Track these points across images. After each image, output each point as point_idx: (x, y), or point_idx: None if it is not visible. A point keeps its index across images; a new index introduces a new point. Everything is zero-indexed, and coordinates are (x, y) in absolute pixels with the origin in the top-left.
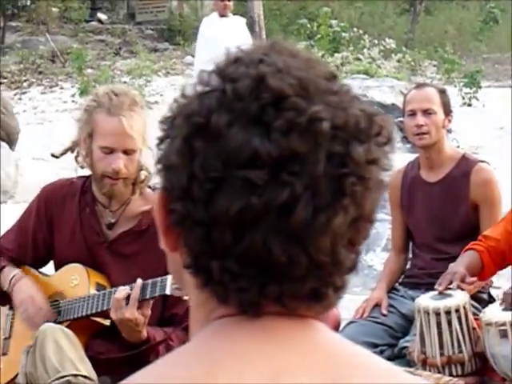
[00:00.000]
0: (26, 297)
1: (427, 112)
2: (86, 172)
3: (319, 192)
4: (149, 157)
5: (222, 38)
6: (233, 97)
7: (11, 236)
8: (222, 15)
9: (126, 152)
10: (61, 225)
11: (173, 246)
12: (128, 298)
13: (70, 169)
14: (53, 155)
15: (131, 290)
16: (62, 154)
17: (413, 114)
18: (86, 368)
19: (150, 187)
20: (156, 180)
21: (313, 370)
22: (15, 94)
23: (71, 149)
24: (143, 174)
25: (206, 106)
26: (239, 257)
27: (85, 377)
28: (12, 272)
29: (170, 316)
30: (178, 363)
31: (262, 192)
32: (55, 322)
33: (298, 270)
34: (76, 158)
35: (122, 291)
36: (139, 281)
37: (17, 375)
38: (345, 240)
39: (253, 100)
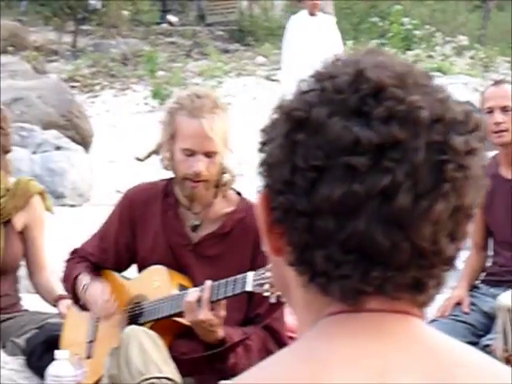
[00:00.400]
0: (93, 296)
1: (505, 109)
2: (169, 174)
3: (420, 178)
4: (231, 159)
5: (311, 36)
6: (332, 91)
7: (94, 241)
8: (312, 13)
9: (207, 154)
10: (144, 228)
11: (276, 248)
12: (200, 299)
13: (143, 171)
14: (137, 159)
15: (201, 291)
16: (147, 158)
17: (491, 111)
18: (170, 370)
19: (234, 190)
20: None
21: (418, 369)
22: (88, 98)
23: (156, 151)
24: (226, 176)
25: (306, 101)
26: (342, 244)
27: (169, 379)
28: (83, 281)
29: (254, 316)
30: (284, 363)
31: (364, 178)
32: (138, 323)
33: (401, 257)
34: (161, 160)
35: (192, 293)
36: (208, 282)
37: (101, 378)
38: (446, 231)
39: (352, 92)
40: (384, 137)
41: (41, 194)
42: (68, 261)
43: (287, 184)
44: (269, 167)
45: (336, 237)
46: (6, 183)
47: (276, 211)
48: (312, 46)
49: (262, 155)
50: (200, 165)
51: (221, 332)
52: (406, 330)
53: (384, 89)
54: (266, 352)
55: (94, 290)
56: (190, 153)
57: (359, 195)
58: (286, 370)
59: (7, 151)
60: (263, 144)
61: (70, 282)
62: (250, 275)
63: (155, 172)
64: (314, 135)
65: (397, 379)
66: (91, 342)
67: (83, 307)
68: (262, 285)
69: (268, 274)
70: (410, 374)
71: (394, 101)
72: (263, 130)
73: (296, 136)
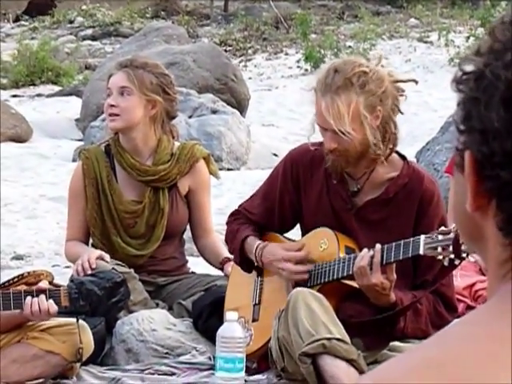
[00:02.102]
0: (275, 260)
1: None
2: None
3: None
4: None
5: None
6: None
7: (257, 200)
8: None
9: (336, 132)
10: (307, 189)
11: (478, 206)
12: (371, 263)
13: (297, 134)
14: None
15: (372, 255)
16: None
17: None
18: (339, 331)
19: (397, 153)
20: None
21: None
22: (240, 62)
23: None
24: (375, 148)
25: None
26: None
27: (338, 340)
28: (255, 243)
29: (423, 281)
30: (479, 321)
31: None
32: (306, 286)
33: None
34: None
35: (363, 257)
36: (378, 246)
37: (268, 341)
38: None
39: None
40: None
41: (205, 158)
42: (231, 222)
43: (510, 157)
44: (482, 134)
45: None
46: (170, 148)
47: (491, 181)
48: None
49: (463, 113)
50: (328, 142)
51: (392, 295)
52: None
53: None
54: (437, 315)
55: (274, 249)
56: (323, 128)
57: None
58: (482, 327)
59: (173, 117)
60: (465, 100)
61: (236, 242)
62: (422, 238)
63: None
64: None
65: None
66: (256, 304)
67: (249, 269)
68: (434, 248)
69: (440, 237)
70: None
71: None
72: (461, 83)
73: None
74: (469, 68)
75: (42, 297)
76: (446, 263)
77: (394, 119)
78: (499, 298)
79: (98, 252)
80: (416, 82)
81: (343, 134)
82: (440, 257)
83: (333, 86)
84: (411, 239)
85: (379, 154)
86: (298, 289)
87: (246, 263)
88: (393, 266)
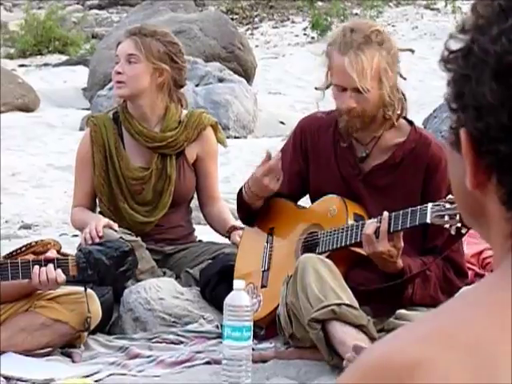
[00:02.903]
0: (256, 171)
1: None
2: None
3: None
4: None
5: None
6: None
7: None
8: None
9: (357, 90)
10: (315, 156)
11: (478, 183)
12: (377, 231)
13: (304, 102)
14: (316, 88)
15: (379, 222)
16: (327, 87)
17: None
18: (348, 297)
19: (405, 119)
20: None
21: None
22: (247, 30)
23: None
24: (389, 110)
25: None
26: None
27: (348, 305)
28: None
29: (432, 247)
30: (483, 287)
31: None
32: (315, 253)
33: None
34: None
35: (370, 225)
36: (385, 213)
37: (277, 307)
38: None
39: None
40: None
41: (213, 126)
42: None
43: (507, 130)
44: (476, 110)
45: None
46: (178, 115)
47: (490, 156)
48: None
49: (457, 92)
50: (348, 101)
51: (400, 263)
52: None
53: None
54: (446, 281)
55: (255, 178)
56: (341, 88)
57: None
58: (490, 294)
59: (181, 85)
60: (456, 78)
61: (239, 196)
62: (430, 206)
63: (320, 103)
64: None
65: None
66: (266, 271)
67: (250, 220)
68: (441, 216)
69: (448, 205)
70: None
71: None
72: (449, 61)
73: None
74: (455, 46)
75: (50, 266)
76: (452, 232)
77: (397, 84)
78: (504, 267)
79: (106, 220)
80: (412, 52)
81: (364, 90)
82: (447, 225)
83: (354, 43)
84: (418, 207)
85: (390, 117)
86: (307, 255)
87: (246, 214)
88: (400, 234)
